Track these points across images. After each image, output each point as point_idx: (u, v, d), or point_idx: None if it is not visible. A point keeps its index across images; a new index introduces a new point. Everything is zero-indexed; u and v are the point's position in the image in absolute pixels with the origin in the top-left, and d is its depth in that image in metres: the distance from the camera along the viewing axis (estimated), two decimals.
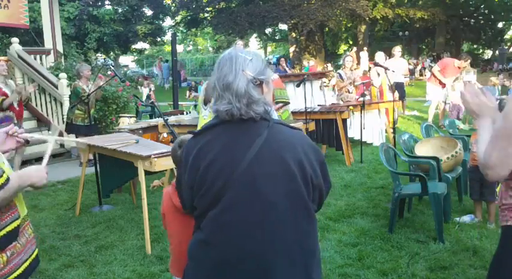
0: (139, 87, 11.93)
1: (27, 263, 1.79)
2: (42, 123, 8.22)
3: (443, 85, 9.39)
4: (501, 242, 1.62)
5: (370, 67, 13.36)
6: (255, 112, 1.49)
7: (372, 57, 17.45)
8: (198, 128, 3.85)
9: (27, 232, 1.84)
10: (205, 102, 4.33)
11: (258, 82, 1.52)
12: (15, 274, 1.73)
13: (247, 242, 1.48)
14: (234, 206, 1.48)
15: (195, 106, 10.97)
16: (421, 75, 22.49)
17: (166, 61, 25.11)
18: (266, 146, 1.48)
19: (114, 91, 7.92)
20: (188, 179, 1.55)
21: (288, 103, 5.82)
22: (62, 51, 9.76)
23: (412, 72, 20.62)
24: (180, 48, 44.80)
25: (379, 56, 9.75)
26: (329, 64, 22.07)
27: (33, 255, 1.84)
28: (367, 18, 22.00)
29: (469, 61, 9.38)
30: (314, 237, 1.58)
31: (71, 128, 6.94)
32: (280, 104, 5.73)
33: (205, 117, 4.27)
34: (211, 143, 1.52)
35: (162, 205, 2.32)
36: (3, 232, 1.70)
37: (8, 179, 1.67)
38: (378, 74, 8.90)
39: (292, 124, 1.65)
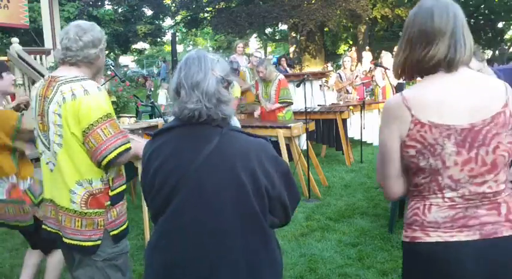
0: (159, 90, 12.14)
1: (126, 225, 2.27)
2: None
3: None
4: (403, 259, 1.57)
5: (371, 68, 13.37)
6: (223, 113, 1.45)
7: (373, 57, 17.47)
8: None
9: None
10: None
11: (226, 84, 1.49)
12: (121, 228, 2.21)
13: (190, 250, 1.45)
14: (179, 214, 1.46)
15: None
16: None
17: (165, 61, 25.00)
18: (215, 153, 1.43)
19: (114, 91, 7.92)
20: (142, 181, 1.55)
21: (291, 103, 5.84)
22: None
23: None
24: (180, 48, 44.80)
25: (386, 57, 9.76)
26: (329, 64, 22.09)
27: (126, 225, 2.28)
28: (367, 18, 21.99)
29: None
30: (265, 249, 1.51)
31: None
32: (283, 104, 5.74)
33: None
34: (162, 148, 1.50)
35: None
36: (115, 192, 2.18)
37: (130, 148, 2.16)
38: (383, 74, 8.90)
39: (253, 133, 1.59)
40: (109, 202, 2.14)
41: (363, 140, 7.01)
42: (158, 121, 6.17)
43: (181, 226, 1.46)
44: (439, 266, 1.42)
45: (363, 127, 6.84)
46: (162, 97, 12.71)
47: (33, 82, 8.09)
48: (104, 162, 2.03)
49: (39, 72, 8.11)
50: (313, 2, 21.48)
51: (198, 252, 1.45)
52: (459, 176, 1.39)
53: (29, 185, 2.69)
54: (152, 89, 16.71)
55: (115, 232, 2.18)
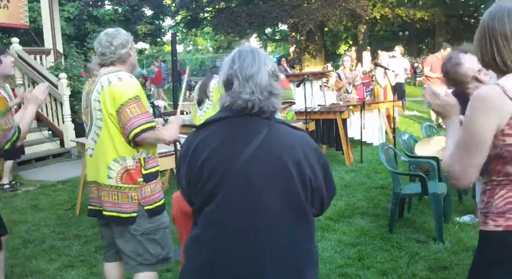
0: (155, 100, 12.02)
1: (162, 202, 2.54)
2: (42, 123, 8.22)
3: (441, 80, 9.29)
4: (478, 247, 1.59)
5: (371, 68, 13.38)
6: (273, 105, 1.50)
7: (373, 57, 17.48)
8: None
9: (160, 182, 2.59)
10: (199, 103, 4.25)
11: (276, 78, 1.54)
12: (155, 204, 2.48)
13: (238, 241, 1.47)
14: (228, 204, 1.47)
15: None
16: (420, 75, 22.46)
17: (164, 61, 24.87)
18: (264, 145, 1.47)
19: None
20: (186, 174, 1.55)
21: (294, 103, 5.82)
22: (62, 51, 9.76)
23: (414, 71, 20.57)
24: (180, 48, 44.82)
25: (383, 56, 9.70)
26: (329, 64, 22.11)
27: (162, 202, 2.55)
28: (367, 18, 21.99)
29: (448, 48, 9.18)
30: (309, 239, 1.56)
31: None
32: (286, 104, 5.73)
33: (199, 117, 4.21)
34: (209, 139, 1.52)
35: (172, 210, 2.33)
36: (148, 171, 2.45)
37: (154, 127, 2.42)
38: (384, 74, 8.87)
39: (294, 125, 1.63)
40: (142, 179, 2.44)
41: (363, 140, 7.01)
42: (158, 121, 6.18)
43: (228, 218, 1.47)
44: None
45: (363, 127, 6.84)
46: (160, 103, 12.58)
47: (33, 82, 8.10)
48: (131, 136, 2.34)
49: (39, 72, 8.11)
50: (313, 1, 21.48)
51: (245, 247, 1.46)
52: None
53: None
54: (152, 89, 16.71)
55: (149, 207, 2.45)
